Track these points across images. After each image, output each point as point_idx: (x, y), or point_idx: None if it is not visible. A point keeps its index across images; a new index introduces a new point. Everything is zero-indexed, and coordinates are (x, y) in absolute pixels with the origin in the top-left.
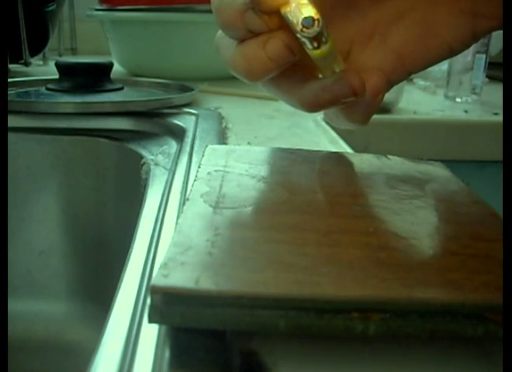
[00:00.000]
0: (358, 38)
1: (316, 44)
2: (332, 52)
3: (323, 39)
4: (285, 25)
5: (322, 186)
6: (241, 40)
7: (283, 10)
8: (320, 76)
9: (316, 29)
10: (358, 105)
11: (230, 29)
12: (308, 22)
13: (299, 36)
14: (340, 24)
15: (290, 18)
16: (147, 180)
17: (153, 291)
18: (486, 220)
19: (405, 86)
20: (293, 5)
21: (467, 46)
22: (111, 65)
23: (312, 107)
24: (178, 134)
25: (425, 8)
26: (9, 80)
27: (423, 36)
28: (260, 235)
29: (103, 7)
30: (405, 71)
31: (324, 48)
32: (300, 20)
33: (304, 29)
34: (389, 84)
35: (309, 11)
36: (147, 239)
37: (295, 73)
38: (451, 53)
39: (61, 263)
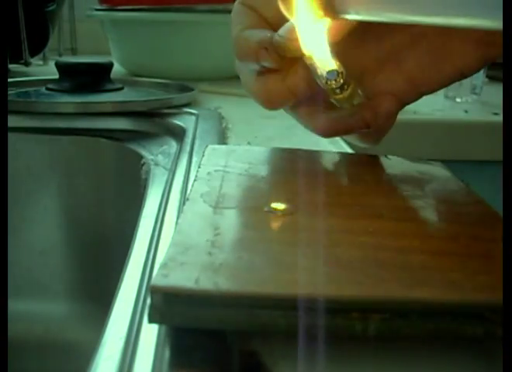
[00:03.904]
0: (372, 63)
1: (338, 91)
2: (352, 94)
3: (345, 87)
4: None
5: (321, 186)
6: (260, 72)
7: (308, 61)
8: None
9: (340, 81)
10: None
11: (245, 62)
12: (332, 75)
13: (322, 85)
14: (355, 49)
15: (314, 70)
16: (147, 180)
17: (153, 290)
18: (486, 220)
19: None
20: (317, 57)
21: (478, 71)
22: (111, 65)
23: (326, 134)
24: (178, 134)
25: (438, 35)
26: (9, 80)
27: (435, 61)
28: (260, 235)
29: (103, 7)
30: (417, 93)
31: (346, 93)
32: (325, 74)
33: (328, 82)
34: (402, 106)
35: (333, 64)
36: (147, 239)
37: (312, 101)
38: (463, 76)
39: (61, 263)
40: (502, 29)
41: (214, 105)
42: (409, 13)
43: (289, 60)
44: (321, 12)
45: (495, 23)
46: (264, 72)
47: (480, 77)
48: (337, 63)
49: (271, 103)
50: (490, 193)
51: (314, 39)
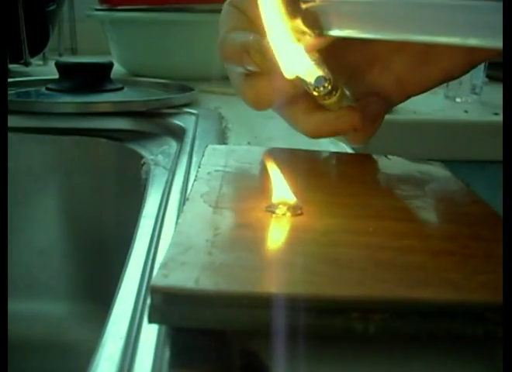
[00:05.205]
0: (360, 65)
1: (327, 97)
2: (341, 97)
3: (334, 93)
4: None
5: (321, 186)
6: (247, 73)
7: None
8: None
9: (328, 88)
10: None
11: (230, 64)
12: (320, 82)
13: (310, 92)
14: (344, 52)
15: (302, 77)
16: (147, 180)
17: (153, 290)
18: (486, 220)
19: None
20: (302, 68)
21: (465, 72)
22: (111, 65)
23: (314, 135)
24: (178, 134)
25: None
26: (9, 80)
27: (422, 64)
28: (259, 235)
29: (103, 7)
30: (404, 95)
31: (334, 98)
32: (312, 81)
33: (316, 89)
34: (389, 108)
35: (320, 71)
36: (147, 239)
37: (300, 101)
38: (450, 78)
39: (61, 263)
40: (485, 46)
41: (214, 105)
42: (395, 33)
43: (267, 67)
44: (305, 30)
45: (477, 42)
46: (250, 73)
47: (480, 77)
48: (325, 69)
49: (258, 104)
50: (490, 193)
51: (293, 52)
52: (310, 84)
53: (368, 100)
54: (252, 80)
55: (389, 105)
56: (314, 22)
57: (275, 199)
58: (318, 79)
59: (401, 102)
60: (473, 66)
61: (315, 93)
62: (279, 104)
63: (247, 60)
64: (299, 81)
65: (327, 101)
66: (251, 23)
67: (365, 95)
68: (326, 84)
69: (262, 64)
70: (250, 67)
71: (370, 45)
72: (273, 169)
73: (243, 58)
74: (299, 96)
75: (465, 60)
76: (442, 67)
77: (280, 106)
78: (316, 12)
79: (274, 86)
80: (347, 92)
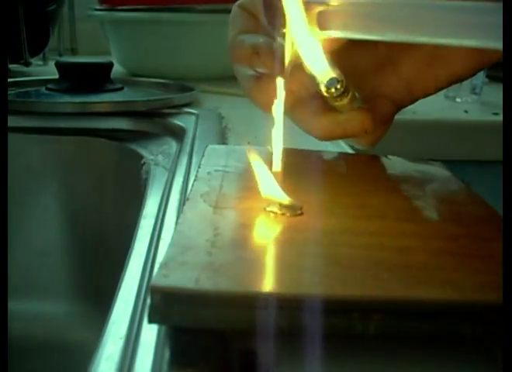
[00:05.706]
0: (369, 66)
1: (338, 99)
2: (352, 99)
3: (346, 94)
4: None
5: (322, 186)
6: (257, 75)
7: (307, 70)
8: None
9: (340, 89)
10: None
11: (239, 66)
12: (332, 83)
13: (322, 93)
14: (353, 53)
15: (314, 79)
16: (147, 180)
17: (153, 290)
18: (486, 220)
19: None
20: (316, 68)
21: (475, 73)
22: (111, 65)
23: (324, 137)
24: (178, 134)
25: None
26: (9, 80)
27: (432, 65)
28: (260, 235)
29: (103, 7)
30: (414, 97)
31: (345, 100)
32: (325, 82)
33: (328, 90)
34: (398, 109)
35: (333, 72)
36: (146, 239)
37: (310, 103)
38: (460, 79)
39: (61, 263)
40: (484, 47)
41: (214, 105)
42: (397, 34)
43: (276, 69)
44: (317, 32)
45: (478, 43)
46: (260, 76)
47: (480, 77)
48: (337, 71)
49: (268, 106)
50: (490, 193)
51: (311, 51)
52: (323, 85)
53: (376, 102)
54: (262, 82)
55: (398, 106)
56: (324, 24)
57: (274, 199)
58: (331, 80)
59: (410, 104)
60: (482, 67)
61: (327, 94)
62: (289, 106)
63: (257, 62)
64: (310, 83)
65: (339, 103)
66: (261, 25)
67: (374, 97)
68: (338, 86)
69: (272, 66)
70: (259, 69)
71: (379, 47)
72: (273, 169)
73: (253, 60)
74: (309, 98)
75: (473, 61)
76: (451, 68)
77: (290, 108)
78: (325, 14)
79: (284, 88)
80: (357, 95)
